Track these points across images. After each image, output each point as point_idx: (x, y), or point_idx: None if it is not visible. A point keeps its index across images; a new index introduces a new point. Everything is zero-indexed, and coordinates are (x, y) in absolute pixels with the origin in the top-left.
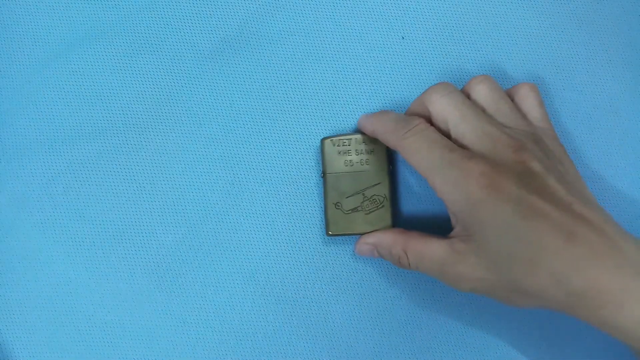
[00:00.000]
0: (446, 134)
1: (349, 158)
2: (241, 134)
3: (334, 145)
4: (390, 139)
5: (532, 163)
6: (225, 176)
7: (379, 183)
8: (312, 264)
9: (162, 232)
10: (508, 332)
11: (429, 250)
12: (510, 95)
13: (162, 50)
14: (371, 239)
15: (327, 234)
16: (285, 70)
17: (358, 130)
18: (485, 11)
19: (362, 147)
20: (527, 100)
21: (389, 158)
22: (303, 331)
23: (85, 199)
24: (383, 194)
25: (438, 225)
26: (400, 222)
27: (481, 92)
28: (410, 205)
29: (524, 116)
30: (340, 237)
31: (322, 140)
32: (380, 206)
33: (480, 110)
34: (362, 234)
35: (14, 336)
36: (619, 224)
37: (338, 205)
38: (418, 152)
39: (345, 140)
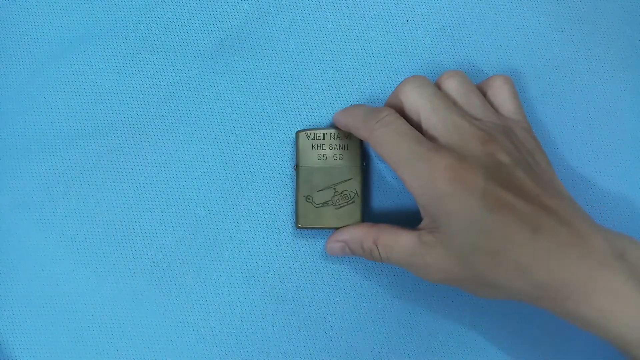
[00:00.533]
0: (418, 126)
1: (322, 152)
2: (241, 134)
3: (308, 138)
4: (361, 132)
5: (500, 155)
6: (225, 176)
7: (350, 179)
8: (312, 264)
9: (162, 232)
10: (508, 332)
11: (398, 241)
12: (484, 88)
13: (162, 50)
14: (342, 235)
15: (297, 227)
16: (285, 71)
17: (334, 126)
18: (485, 11)
19: (337, 142)
20: (501, 93)
21: (363, 154)
22: (303, 331)
23: (85, 199)
24: (354, 189)
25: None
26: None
27: (451, 86)
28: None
29: (496, 109)
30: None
31: (297, 132)
32: (350, 202)
33: (452, 102)
34: (330, 228)
35: (14, 336)
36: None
37: (309, 199)
38: (387, 145)
39: (320, 134)
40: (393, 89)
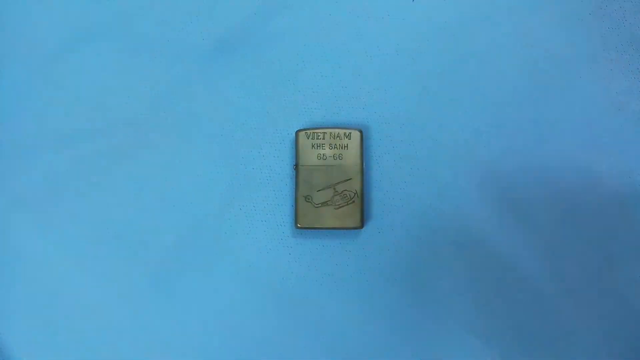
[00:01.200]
0: None
1: (322, 152)
2: (241, 134)
3: (307, 138)
4: None
5: None
6: (225, 176)
7: (350, 179)
8: (312, 264)
9: (162, 232)
10: (508, 332)
11: None
12: None
13: (163, 50)
14: None
15: (296, 227)
16: (286, 71)
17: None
18: (485, 11)
19: (336, 142)
20: None
21: (363, 154)
22: (303, 331)
23: (85, 199)
24: (354, 189)
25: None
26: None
27: None
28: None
29: None
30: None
31: (297, 132)
32: (350, 202)
33: None
34: (330, 229)
35: (14, 336)
36: (619, 224)
37: (308, 199)
38: None
39: (319, 134)
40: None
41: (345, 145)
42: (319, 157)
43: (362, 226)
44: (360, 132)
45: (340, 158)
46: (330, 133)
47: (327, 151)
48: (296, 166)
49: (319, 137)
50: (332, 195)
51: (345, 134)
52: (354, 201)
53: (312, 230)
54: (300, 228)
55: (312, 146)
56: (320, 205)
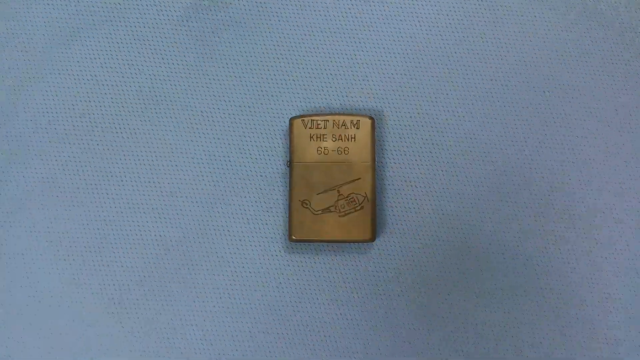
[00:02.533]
0: None
1: (323, 145)
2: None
3: (305, 126)
4: None
5: None
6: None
7: (359, 179)
8: (310, 286)
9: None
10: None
11: None
12: None
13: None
14: None
15: (290, 240)
16: (279, 52)
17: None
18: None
19: (342, 131)
20: None
21: (374, 148)
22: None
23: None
24: (364, 192)
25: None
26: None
27: None
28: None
29: None
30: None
31: (291, 120)
32: (358, 207)
33: None
34: (333, 242)
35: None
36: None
37: (306, 204)
38: None
39: (319, 122)
40: (415, 68)
41: (353, 136)
42: (319, 152)
43: (373, 238)
44: (372, 119)
45: (346, 152)
46: (334, 121)
47: (330, 144)
48: (290, 163)
49: (320, 126)
50: (335, 200)
51: (352, 122)
52: (363, 207)
53: (311, 243)
54: (296, 241)
55: (311, 137)
56: (320, 212)
